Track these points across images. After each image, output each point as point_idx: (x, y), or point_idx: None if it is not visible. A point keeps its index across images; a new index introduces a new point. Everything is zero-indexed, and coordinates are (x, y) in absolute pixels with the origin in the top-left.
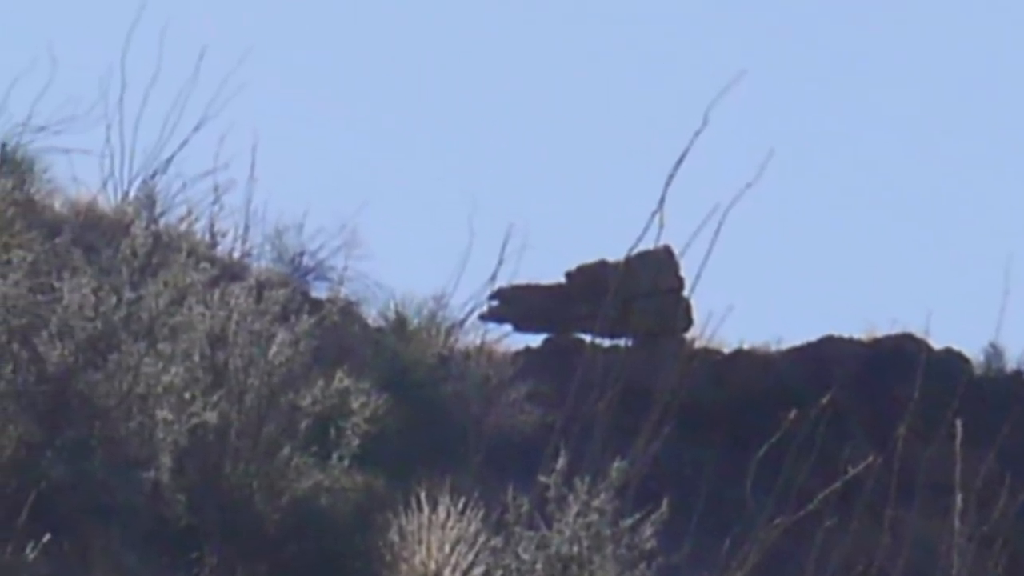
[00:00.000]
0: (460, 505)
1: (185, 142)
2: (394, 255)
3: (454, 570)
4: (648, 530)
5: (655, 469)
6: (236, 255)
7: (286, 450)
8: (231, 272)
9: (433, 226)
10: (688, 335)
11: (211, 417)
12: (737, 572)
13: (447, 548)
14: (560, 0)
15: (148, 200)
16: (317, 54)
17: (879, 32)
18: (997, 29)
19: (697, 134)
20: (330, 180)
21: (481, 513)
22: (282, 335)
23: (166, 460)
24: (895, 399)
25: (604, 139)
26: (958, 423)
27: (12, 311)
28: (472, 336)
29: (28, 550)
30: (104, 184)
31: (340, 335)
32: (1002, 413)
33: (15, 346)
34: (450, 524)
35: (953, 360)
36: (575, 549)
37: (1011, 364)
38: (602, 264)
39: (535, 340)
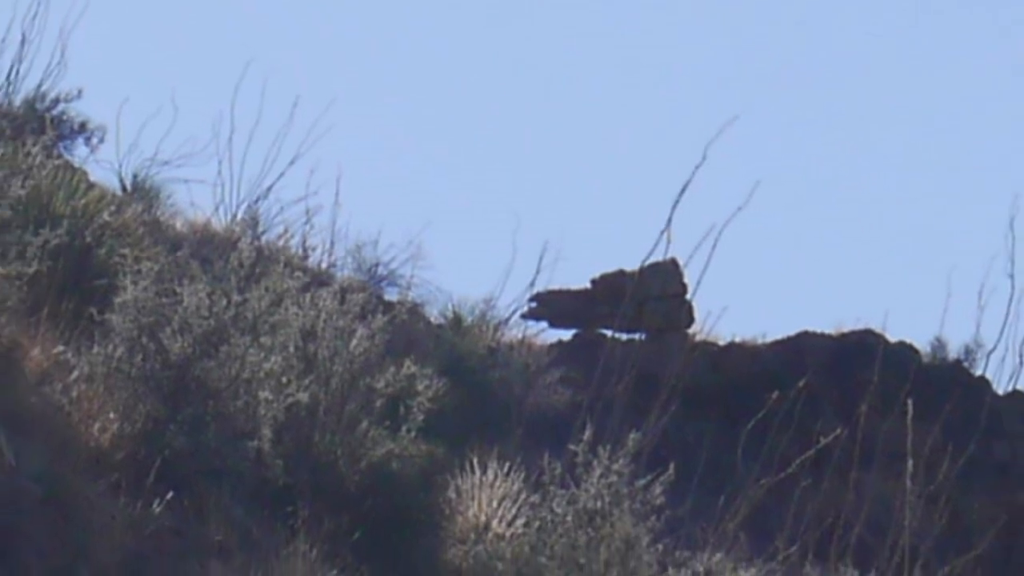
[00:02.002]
0: (505, 469)
1: (282, 174)
2: (452, 265)
3: (500, 521)
4: (657, 489)
5: (663, 440)
6: (323, 266)
7: (364, 424)
8: (319, 279)
9: (483, 241)
10: (690, 331)
11: (303, 397)
12: (730, 523)
13: (495, 504)
14: (584, 59)
15: (252, 221)
16: (388, 102)
17: (845, 78)
18: (940, 70)
19: (698, 167)
20: (399, 204)
21: (522, 475)
22: (361, 330)
23: (267, 432)
24: (858, 383)
25: (623, 170)
26: (909, 402)
27: (142, 311)
28: (515, 331)
29: (155, 505)
30: (216, 208)
31: (407, 331)
32: (945, 395)
33: (144, 339)
34: (497, 484)
35: (905, 351)
36: (599, 504)
37: (953, 355)
38: (620, 273)
39: (566, 335)
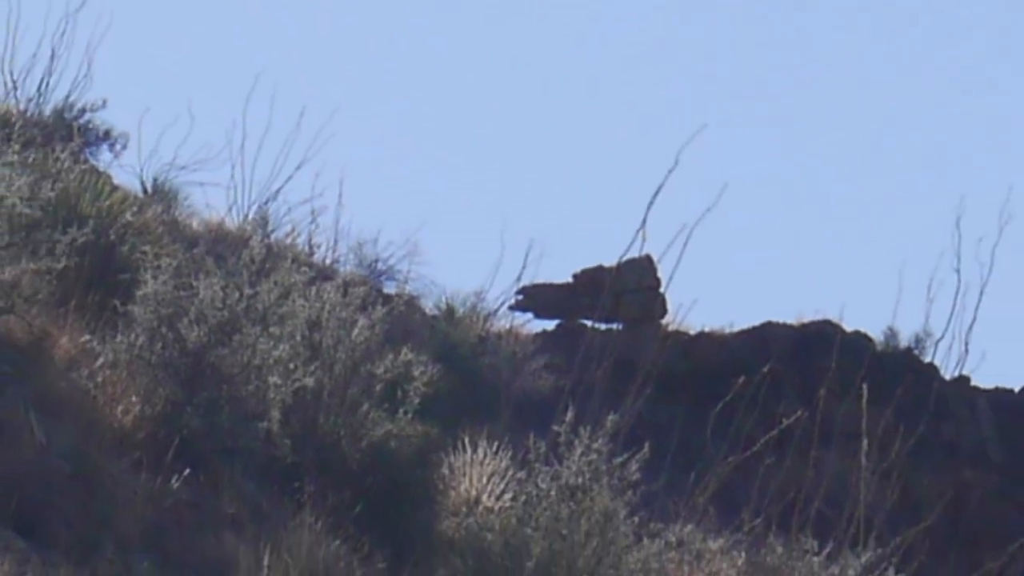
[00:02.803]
0: (494, 447)
1: (289, 178)
2: (445, 261)
3: (490, 496)
4: (633, 466)
5: (638, 421)
6: (328, 261)
7: (364, 406)
8: (324, 274)
9: (474, 239)
10: (663, 321)
11: (309, 382)
12: (699, 497)
13: (484, 479)
14: (569, 72)
15: (262, 221)
16: (387, 113)
17: (807, 88)
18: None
19: (670, 171)
20: (397, 206)
21: (509, 453)
22: (362, 321)
23: (276, 414)
24: (817, 369)
25: (603, 174)
26: (864, 387)
27: (161, 303)
28: (503, 322)
29: (173, 481)
30: (229, 209)
31: (404, 321)
32: (897, 380)
33: (163, 329)
34: (486, 462)
35: (861, 340)
36: (580, 480)
37: (904, 343)
38: (599, 268)
39: (550, 325)
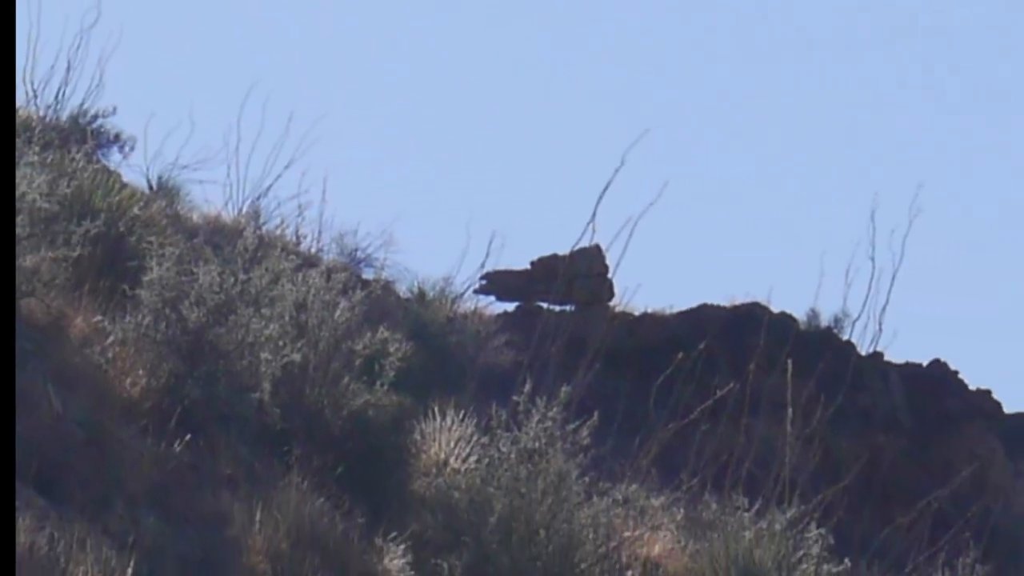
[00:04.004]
0: (460, 415)
1: (279, 176)
2: (417, 250)
3: (456, 458)
4: (584, 432)
5: (589, 392)
6: (313, 250)
7: (345, 379)
8: (309, 262)
9: (443, 230)
10: (611, 304)
11: (296, 357)
12: (643, 460)
13: (452, 444)
14: (524, 80)
15: (254, 214)
16: (366, 118)
17: (739, 92)
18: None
19: (617, 170)
20: (375, 200)
21: (474, 421)
22: (343, 303)
23: (267, 386)
24: (748, 346)
25: (557, 174)
26: (789, 362)
27: (165, 287)
28: (468, 304)
29: (176, 445)
30: (225, 203)
31: (381, 303)
32: (818, 355)
33: (167, 310)
34: (454, 428)
35: (786, 320)
36: (536, 444)
37: (824, 323)
38: (554, 256)
39: (510, 307)
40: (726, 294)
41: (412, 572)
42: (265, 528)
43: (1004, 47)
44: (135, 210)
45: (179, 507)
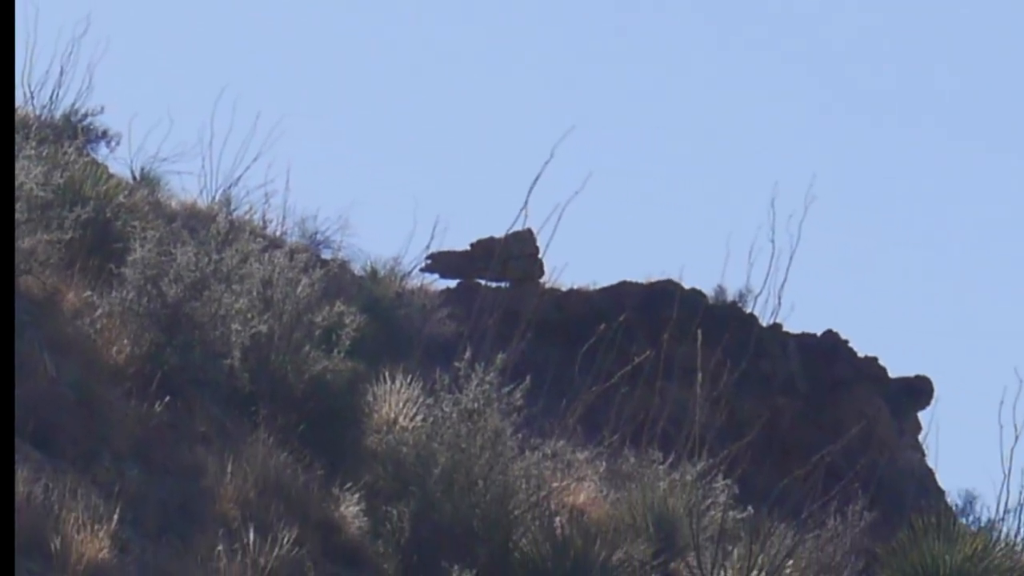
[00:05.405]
0: (408, 380)
1: (248, 168)
2: (370, 233)
3: (404, 418)
4: (518, 394)
5: (522, 359)
6: (278, 233)
7: (307, 348)
8: (275, 243)
9: (393, 216)
10: (541, 281)
11: (263, 328)
12: (569, 419)
13: (400, 405)
14: (464, 78)
15: (226, 201)
16: (323, 116)
17: (656, 90)
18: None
19: (546, 163)
20: (332, 189)
21: (420, 384)
22: (304, 280)
23: (237, 353)
24: (662, 318)
25: (494, 166)
26: (699, 332)
27: (147, 266)
28: (415, 281)
29: (156, 406)
30: (200, 192)
31: (338, 281)
32: (724, 327)
33: (149, 287)
34: (402, 391)
35: (696, 296)
36: (475, 405)
37: (730, 298)
38: (491, 239)
39: (452, 284)
40: (643, 272)
41: (365, 518)
42: (235, 479)
43: (891, 51)
44: (120, 198)
45: (159, 460)
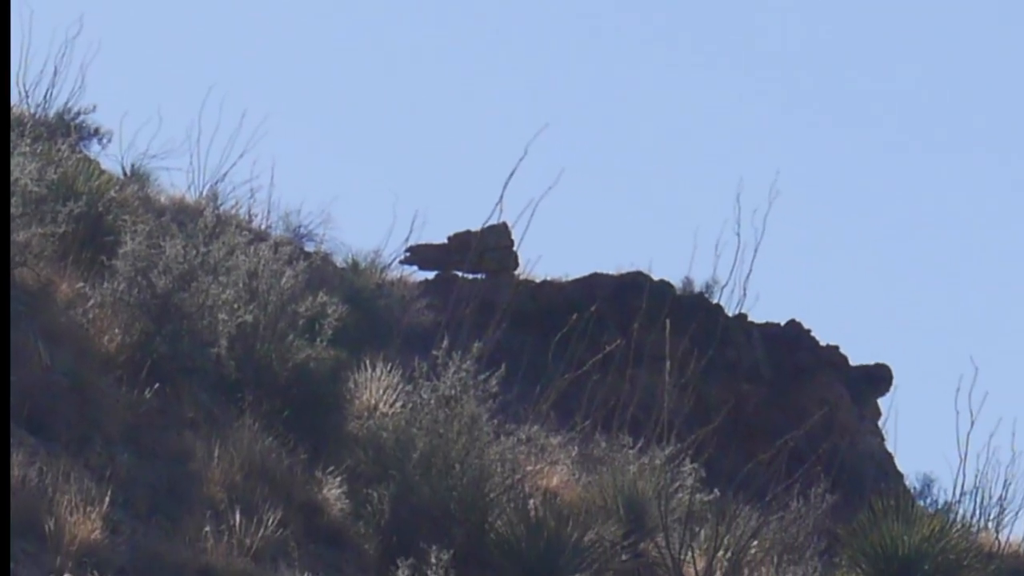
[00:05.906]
0: (388, 367)
1: (234, 164)
2: (352, 227)
3: (385, 404)
4: (493, 382)
5: (497, 348)
6: (263, 227)
7: (291, 336)
8: (260, 237)
9: (373, 211)
10: (516, 272)
11: (249, 318)
12: (543, 405)
13: (381, 391)
14: (442, 78)
15: (214, 196)
16: (305, 115)
17: (627, 90)
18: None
19: (521, 159)
20: (315, 185)
21: (400, 372)
22: (288, 271)
23: (223, 342)
24: (632, 308)
25: (470, 162)
26: (667, 322)
27: (137, 259)
28: (395, 273)
29: (146, 392)
30: (188, 187)
31: (321, 272)
32: (692, 317)
33: (139, 278)
34: (382, 378)
35: (664, 287)
36: (453, 392)
37: (697, 289)
38: (468, 232)
39: (430, 275)
40: (614, 264)
41: (347, 500)
42: (222, 463)
43: (849, 53)
44: (112, 193)
45: (149, 445)
